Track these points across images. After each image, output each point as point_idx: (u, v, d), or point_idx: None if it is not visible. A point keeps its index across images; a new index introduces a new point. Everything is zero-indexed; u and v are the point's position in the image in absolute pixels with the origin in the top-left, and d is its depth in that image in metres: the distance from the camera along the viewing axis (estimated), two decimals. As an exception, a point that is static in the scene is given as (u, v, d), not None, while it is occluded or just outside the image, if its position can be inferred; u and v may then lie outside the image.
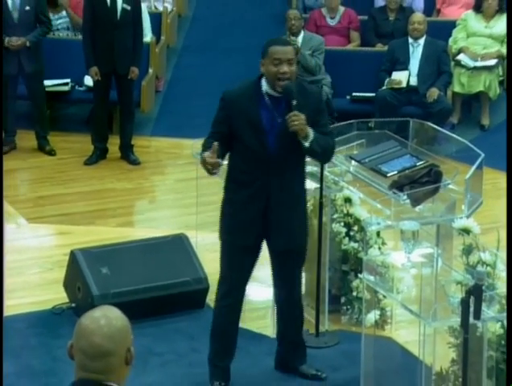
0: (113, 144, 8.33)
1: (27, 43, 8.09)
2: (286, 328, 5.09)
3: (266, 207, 4.74)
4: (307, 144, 4.63)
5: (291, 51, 4.66)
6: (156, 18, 9.54)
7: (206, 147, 4.63)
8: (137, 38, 8.08)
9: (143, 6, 9.28)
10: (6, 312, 5.73)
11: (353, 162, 5.47)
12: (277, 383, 5.11)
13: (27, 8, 8.13)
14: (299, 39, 8.90)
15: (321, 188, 5.38)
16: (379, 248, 5.48)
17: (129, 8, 7.98)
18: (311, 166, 5.57)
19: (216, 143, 4.55)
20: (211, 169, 4.57)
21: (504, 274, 4.52)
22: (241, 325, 5.26)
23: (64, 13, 9.25)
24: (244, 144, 4.69)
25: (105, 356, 2.62)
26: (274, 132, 4.69)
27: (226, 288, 4.90)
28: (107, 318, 2.65)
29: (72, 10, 9.33)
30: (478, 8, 9.22)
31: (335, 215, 5.68)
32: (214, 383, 4.95)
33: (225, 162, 4.80)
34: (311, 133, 4.63)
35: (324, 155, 4.83)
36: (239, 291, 4.92)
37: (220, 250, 4.95)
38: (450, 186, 5.21)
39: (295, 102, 4.58)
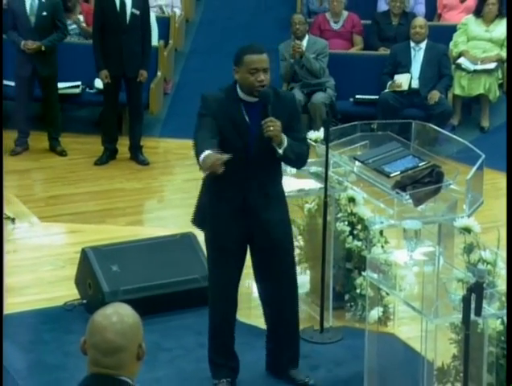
0: (123, 145, 8.34)
1: (42, 47, 8.11)
2: (274, 328, 4.98)
3: (243, 208, 4.66)
4: (280, 151, 4.58)
5: (266, 60, 4.57)
6: (164, 22, 9.55)
7: (205, 146, 4.45)
8: (145, 42, 8.09)
9: (152, 13, 9.30)
10: (20, 308, 5.75)
11: (357, 162, 5.46)
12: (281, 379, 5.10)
13: (44, 13, 8.16)
14: (304, 42, 8.89)
15: (326, 188, 5.38)
16: (382, 247, 5.48)
17: (138, 13, 7.99)
18: (315, 167, 5.59)
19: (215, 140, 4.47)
20: (218, 168, 4.42)
21: (504, 272, 4.52)
22: (246, 321, 5.28)
23: (78, 18, 9.25)
24: (227, 145, 4.55)
25: (118, 352, 2.63)
26: (252, 135, 4.62)
27: (216, 292, 4.85)
28: (119, 315, 2.66)
29: (84, 17, 9.33)
30: (478, 13, 9.21)
31: (339, 215, 5.68)
32: (218, 381, 4.92)
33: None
34: (285, 140, 4.57)
35: (297, 162, 4.80)
36: (229, 294, 4.85)
37: (206, 252, 4.92)
38: (451, 187, 5.20)
39: (270, 107, 4.51)
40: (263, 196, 4.70)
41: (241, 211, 4.69)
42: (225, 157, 4.39)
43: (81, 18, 9.28)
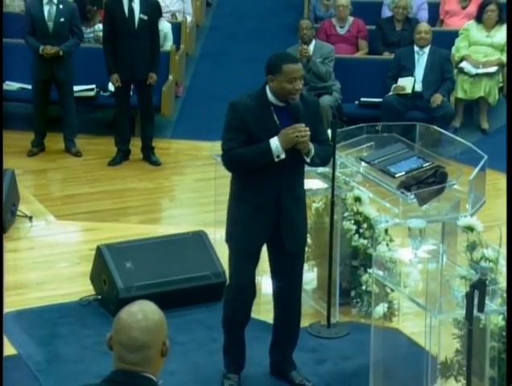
0: (136, 146, 8.35)
1: (60, 52, 8.13)
2: (283, 335, 4.95)
3: (278, 210, 4.66)
4: (308, 160, 4.63)
5: (301, 68, 4.63)
6: (176, 27, 9.55)
7: (254, 146, 4.50)
8: (154, 46, 8.09)
9: (168, 24, 9.31)
10: (37, 303, 5.77)
11: (363, 163, 5.46)
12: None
13: (62, 20, 8.18)
14: (311, 47, 8.89)
15: (333, 188, 5.38)
16: (387, 245, 5.47)
17: (146, 18, 8.00)
18: (323, 168, 5.58)
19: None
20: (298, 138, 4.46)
21: (505, 269, 4.52)
22: (256, 316, 5.27)
23: (96, 27, 9.24)
24: None
25: (143, 349, 2.62)
26: None
27: (235, 290, 4.82)
28: (144, 313, 2.64)
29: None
30: (479, 19, 9.22)
31: (345, 214, 5.68)
32: (230, 374, 4.92)
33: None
34: (312, 149, 4.60)
35: (322, 164, 4.88)
36: (248, 291, 4.83)
37: (229, 256, 4.84)
38: (455, 187, 5.20)
39: (300, 118, 4.51)
40: (293, 198, 4.69)
41: (275, 215, 4.65)
42: (298, 125, 4.45)
43: (100, 26, 9.26)
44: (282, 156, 4.52)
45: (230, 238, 4.79)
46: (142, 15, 7.98)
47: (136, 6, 7.98)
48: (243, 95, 4.66)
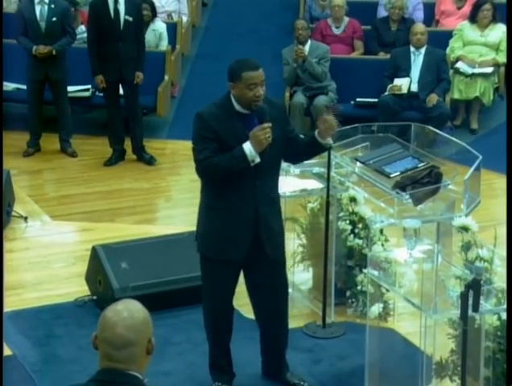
0: (130, 146, 8.34)
1: (53, 52, 8.12)
2: (273, 341, 4.90)
3: (255, 217, 4.59)
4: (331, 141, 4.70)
5: (262, 74, 4.53)
6: (172, 28, 9.55)
7: (227, 154, 4.46)
8: (140, 46, 8.10)
9: (163, 24, 9.32)
10: (33, 303, 5.76)
11: (358, 163, 5.46)
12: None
13: (54, 19, 8.18)
14: (307, 47, 8.90)
15: (328, 188, 5.38)
16: (382, 245, 5.48)
17: (131, 19, 8.00)
18: (318, 168, 5.59)
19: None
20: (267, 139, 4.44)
21: (500, 269, 4.53)
22: (248, 316, 5.26)
23: (79, 29, 9.23)
24: None
25: (128, 346, 2.63)
26: None
27: (214, 307, 4.76)
28: (129, 311, 2.66)
29: (86, 26, 9.33)
30: (473, 18, 9.23)
31: (341, 214, 5.68)
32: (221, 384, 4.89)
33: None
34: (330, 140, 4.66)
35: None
36: (227, 303, 4.78)
37: (203, 267, 4.74)
38: (450, 187, 5.21)
39: (267, 121, 4.47)
40: (270, 203, 4.65)
41: (253, 221, 4.60)
42: (266, 125, 4.43)
43: (83, 27, 9.25)
44: (257, 160, 4.48)
45: (205, 249, 4.68)
46: (127, 17, 7.99)
47: (121, 7, 7.98)
48: (210, 104, 4.60)
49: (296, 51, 8.74)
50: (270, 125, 4.47)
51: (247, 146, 4.47)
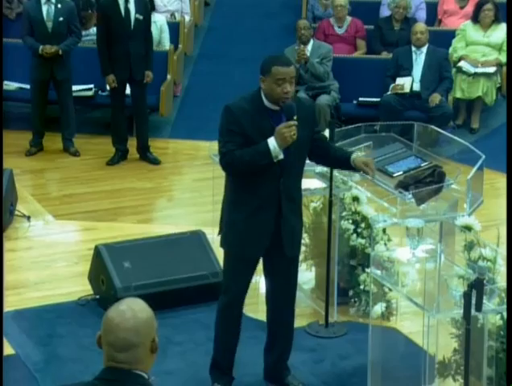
0: (133, 146, 8.34)
1: (60, 52, 8.12)
2: (280, 340, 4.90)
3: (277, 215, 4.60)
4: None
5: (293, 71, 4.52)
6: (174, 27, 9.55)
7: (252, 148, 4.45)
8: (148, 44, 8.10)
9: (162, 16, 9.33)
10: (36, 303, 5.76)
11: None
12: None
13: (61, 19, 8.18)
14: (309, 47, 8.89)
15: (331, 187, 5.38)
16: (385, 244, 5.47)
17: (141, 18, 8.00)
18: (321, 167, 5.58)
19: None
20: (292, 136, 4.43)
21: (503, 269, 4.52)
22: (254, 316, 5.27)
23: (91, 30, 9.24)
24: None
25: (132, 348, 2.60)
26: None
27: (229, 299, 4.78)
28: (132, 311, 2.61)
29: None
30: (475, 18, 9.22)
31: (343, 213, 5.68)
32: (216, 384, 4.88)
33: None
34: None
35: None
36: (242, 301, 4.81)
37: (224, 261, 4.78)
38: (452, 186, 5.20)
39: (295, 122, 4.45)
40: (290, 201, 4.64)
41: (275, 219, 4.60)
42: (292, 122, 4.42)
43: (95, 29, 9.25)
44: (281, 156, 4.49)
45: (227, 244, 4.73)
46: (137, 15, 7.99)
47: (132, 6, 7.98)
48: (238, 98, 4.60)
49: (298, 53, 8.73)
50: (295, 122, 4.46)
51: (271, 142, 4.46)
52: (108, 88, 8.56)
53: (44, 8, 8.17)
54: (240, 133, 4.50)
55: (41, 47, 8.10)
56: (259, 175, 4.53)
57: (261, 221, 4.60)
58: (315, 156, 4.76)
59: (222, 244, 4.77)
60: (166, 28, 9.17)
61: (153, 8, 9.17)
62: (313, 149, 4.68)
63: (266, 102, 4.54)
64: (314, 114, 4.84)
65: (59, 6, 8.16)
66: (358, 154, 4.84)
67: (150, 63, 8.08)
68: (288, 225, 4.64)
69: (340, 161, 4.76)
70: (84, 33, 9.00)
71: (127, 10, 7.98)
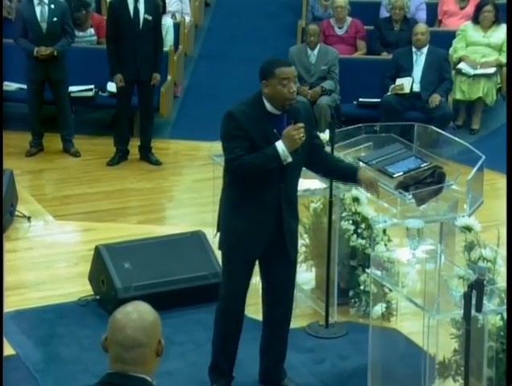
0: (134, 146, 8.35)
1: (55, 52, 8.12)
2: (276, 341, 4.88)
3: (277, 218, 4.60)
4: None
5: (295, 70, 4.54)
6: (175, 28, 9.55)
7: (261, 153, 4.44)
8: (157, 46, 8.10)
9: (171, 19, 9.33)
10: (36, 303, 5.76)
11: (361, 163, 5.45)
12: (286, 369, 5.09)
13: (55, 19, 8.17)
14: (315, 51, 8.87)
15: (331, 188, 5.38)
16: (385, 245, 5.48)
17: (150, 18, 8.01)
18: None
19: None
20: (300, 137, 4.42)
21: (503, 269, 4.52)
22: (255, 317, 5.26)
23: (88, 32, 9.24)
24: None
25: (139, 347, 2.63)
26: None
27: (229, 302, 4.77)
28: (139, 313, 2.66)
29: (95, 30, 9.32)
30: (476, 19, 9.23)
31: (344, 214, 5.68)
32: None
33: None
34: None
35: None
36: (242, 304, 4.80)
37: (223, 264, 4.79)
38: (453, 187, 5.21)
39: (303, 124, 4.45)
40: (290, 205, 4.65)
41: (274, 221, 4.60)
42: (301, 125, 4.41)
43: (92, 30, 9.26)
44: (289, 159, 4.46)
45: (227, 246, 4.72)
46: (146, 15, 7.99)
47: (141, 6, 7.98)
48: (238, 103, 4.57)
49: (301, 92, 8.58)
50: (303, 125, 4.45)
51: (280, 145, 4.44)
52: (109, 88, 8.58)
53: (38, 9, 8.15)
54: (245, 138, 4.48)
55: (36, 49, 8.08)
56: (261, 180, 4.53)
57: (261, 224, 4.61)
58: (312, 164, 4.75)
59: (220, 247, 4.77)
60: (171, 31, 9.19)
61: (164, 11, 9.17)
62: (311, 156, 4.66)
63: (268, 107, 4.52)
64: (313, 116, 4.85)
65: (52, 6, 8.15)
66: (365, 171, 4.83)
67: (159, 65, 8.08)
68: (288, 227, 4.65)
69: (344, 172, 4.77)
70: (80, 34, 9.01)
71: (136, 10, 7.98)
